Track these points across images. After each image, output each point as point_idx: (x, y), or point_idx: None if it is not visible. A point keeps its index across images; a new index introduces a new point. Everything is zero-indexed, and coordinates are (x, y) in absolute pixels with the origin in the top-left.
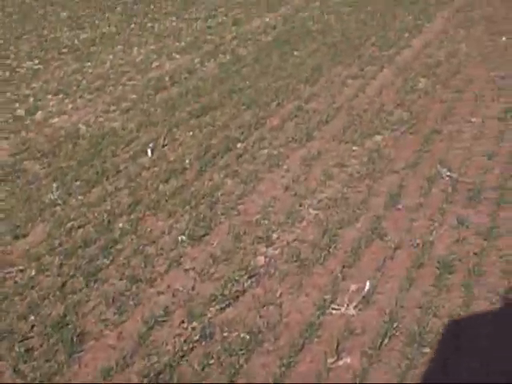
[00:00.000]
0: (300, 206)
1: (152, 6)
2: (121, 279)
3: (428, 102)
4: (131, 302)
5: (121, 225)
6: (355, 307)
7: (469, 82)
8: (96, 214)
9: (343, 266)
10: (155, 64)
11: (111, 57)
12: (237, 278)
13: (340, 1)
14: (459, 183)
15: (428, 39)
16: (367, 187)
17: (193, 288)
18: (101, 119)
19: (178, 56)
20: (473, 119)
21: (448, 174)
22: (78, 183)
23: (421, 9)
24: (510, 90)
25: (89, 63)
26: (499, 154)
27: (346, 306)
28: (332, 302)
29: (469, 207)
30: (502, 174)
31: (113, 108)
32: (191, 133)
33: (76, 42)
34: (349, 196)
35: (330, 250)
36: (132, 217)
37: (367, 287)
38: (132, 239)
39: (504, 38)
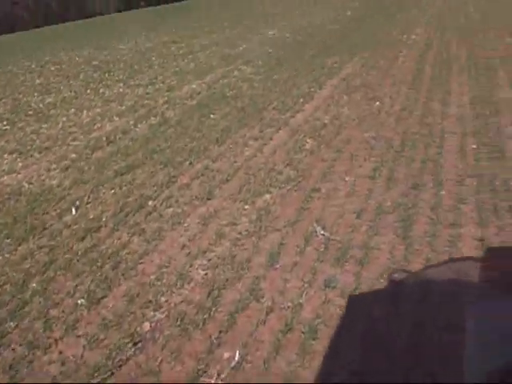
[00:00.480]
0: (191, 266)
1: (107, 75)
2: (21, 345)
3: (313, 160)
4: (25, 370)
5: (34, 285)
6: (223, 380)
7: (347, 143)
8: (15, 274)
9: (220, 332)
10: (97, 126)
11: (64, 119)
12: (122, 345)
13: (253, 71)
14: (331, 241)
15: (318, 104)
16: (252, 245)
17: (81, 356)
18: (42, 177)
19: (117, 118)
20: (347, 178)
21: (322, 232)
22: (8, 240)
23: (315, 78)
24: (379, 150)
25: (45, 125)
26: (366, 211)
27: (215, 377)
28: (205, 371)
29: (337, 266)
30: (367, 231)
31: (54, 166)
32: (113, 191)
33: (41, 105)
34: (236, 254)
35: (211, 312)
36: (44, 277)
37: (237, 357)
38: (40, 301)
39: (378, 103)
